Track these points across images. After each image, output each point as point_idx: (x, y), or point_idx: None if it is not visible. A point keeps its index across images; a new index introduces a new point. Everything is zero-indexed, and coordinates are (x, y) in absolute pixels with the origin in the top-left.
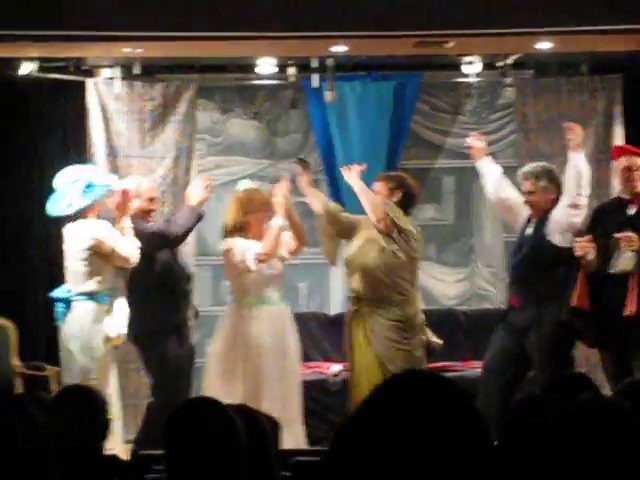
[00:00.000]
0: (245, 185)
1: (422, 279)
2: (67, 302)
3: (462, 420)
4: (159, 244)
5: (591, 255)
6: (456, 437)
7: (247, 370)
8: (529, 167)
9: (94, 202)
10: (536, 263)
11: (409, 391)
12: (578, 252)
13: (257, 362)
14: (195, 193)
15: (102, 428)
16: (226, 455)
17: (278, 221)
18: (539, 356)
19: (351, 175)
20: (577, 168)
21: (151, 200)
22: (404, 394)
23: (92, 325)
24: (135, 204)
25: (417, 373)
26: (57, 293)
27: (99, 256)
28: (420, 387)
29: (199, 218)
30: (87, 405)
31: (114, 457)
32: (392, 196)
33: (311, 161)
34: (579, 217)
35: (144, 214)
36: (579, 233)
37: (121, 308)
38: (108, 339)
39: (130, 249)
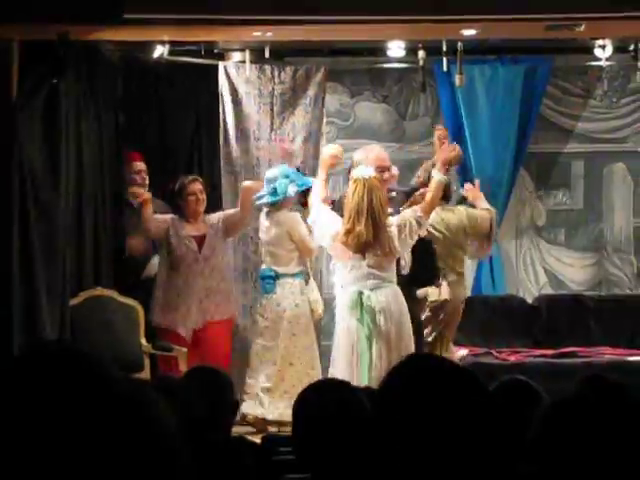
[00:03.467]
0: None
1: (551, 264)
2: (274, 279)
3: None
4: None
5: None
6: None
7: None
8: None
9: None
10: None
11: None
12: None
13: None
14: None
15: (229, 408)
16: (353, 437)
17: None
18: None
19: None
20: None
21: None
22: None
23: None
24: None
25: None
26: (265, 272)
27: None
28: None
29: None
30: (214, 385)
31: (242, 438)
32: None
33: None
34: None
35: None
36: None
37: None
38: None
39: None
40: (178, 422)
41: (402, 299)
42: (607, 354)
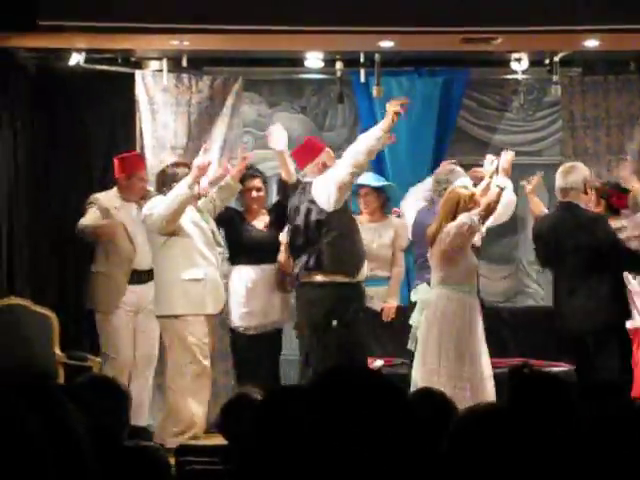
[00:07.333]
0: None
1: None
2: None
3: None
4: None
5: None
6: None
7: None
8: None
9: None
10: None
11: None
12: None
13: None
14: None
15: (124, 418)
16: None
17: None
18: None
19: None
20: None
21: None
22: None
23: None
24: None
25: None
26: None
27: None
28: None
29: None
30: (108, 395)
31: (157, 447)
32: None
33: None
34: None
35: None
36: None
37: None
38: None
39: None
40: (86, 428)
41: (446, 302)
42: None
